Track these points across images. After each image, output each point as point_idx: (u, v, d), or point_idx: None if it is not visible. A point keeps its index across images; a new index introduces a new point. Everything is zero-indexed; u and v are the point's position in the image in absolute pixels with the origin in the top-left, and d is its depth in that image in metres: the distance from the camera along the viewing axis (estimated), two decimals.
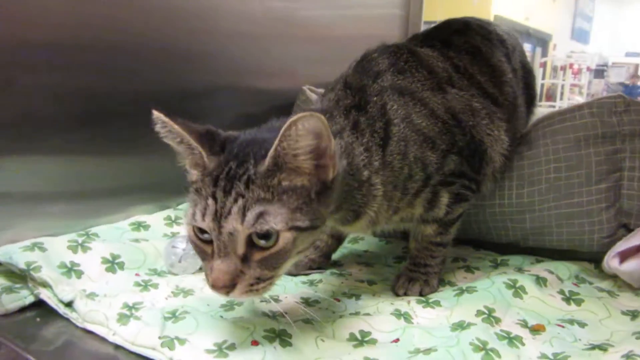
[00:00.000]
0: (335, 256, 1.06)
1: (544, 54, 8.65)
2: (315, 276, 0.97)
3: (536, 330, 0.77)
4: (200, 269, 0.98)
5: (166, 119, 0.67)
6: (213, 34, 1.23)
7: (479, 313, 0.79)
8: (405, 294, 0.89)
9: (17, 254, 0.85)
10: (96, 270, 0.91)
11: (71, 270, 0.88)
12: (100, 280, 0.89)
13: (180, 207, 1.20)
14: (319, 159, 0.65)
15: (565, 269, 0.95)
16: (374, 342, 0.73)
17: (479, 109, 0.88)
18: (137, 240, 1.02)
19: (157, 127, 0.69)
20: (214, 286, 0.64)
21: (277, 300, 0.87)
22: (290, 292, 0.90)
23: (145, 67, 1.11)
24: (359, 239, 1.17)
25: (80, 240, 0.95)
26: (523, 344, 0.73)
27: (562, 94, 7.92)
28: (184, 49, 1.17)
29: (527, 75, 1.08)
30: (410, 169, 0.81)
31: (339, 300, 0.86)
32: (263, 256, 0.64)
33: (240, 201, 0.63)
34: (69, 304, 0.79)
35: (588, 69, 8.39)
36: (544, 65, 8.27)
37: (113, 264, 0.94)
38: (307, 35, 1.37)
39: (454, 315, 0.80)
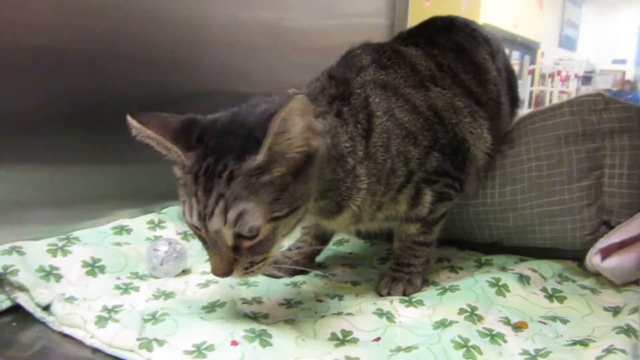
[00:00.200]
0: (319, 258, 1.05)
1: (532, 61, 8.73)
2: (299, 278, 0.96)
3: (519, 327, 0.77)
4: (183, 271, 0.97)
5: (138, 125, 0.68)
6: (198, 43, 1.23)
7: (461, 311, 0.79)
8: (389, 294, 0.88)
9: None
10: (76, 273, 0.90)
11: (50, 274, 0.86)
12: (80, 283, 0.88)
13: (164, 211, 1.19)
14: (307, 140, 0.66)
15: (548, 267, 0.95)
16: (355, 341, 0.73)
17: (461, 107, 0.88)
18: (118, 244, 1.01)
19: (133, 132, 0.69)
20: (214, 273, 0.70)
21: (259, 301, 0.86)
22: (273, 294, 0.89)
23: (130, 74, 1.11)
24: (344, 241, 1.16)
25: (60, 244, 0.94)
26: (505, 341, 0.73)
27: (550, 100, 7.98)
28: (169, 58, 1.17)
29: (509, 77, 1.09)
30: (393, 163, 0.81)
31: (321, 301, 0.86)
32: (251, 245, 0.67)
33: (222, 202, 0.64)
34: (46, 308, 0.78)
35: (576, 76, 8.47)
36: (532, 72, 8.34)
37: (93, 267, 0.92)
38: (293, 44, 1.38)
39: (437, 314, 0.79)
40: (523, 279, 0.89)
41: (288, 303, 0.85)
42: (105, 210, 1.11)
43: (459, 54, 0.95)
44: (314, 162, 0.69)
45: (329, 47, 1.19)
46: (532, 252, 1.01)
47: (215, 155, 0.65)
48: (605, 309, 0.83)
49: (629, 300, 0.83)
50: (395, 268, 0.91)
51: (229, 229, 0.65)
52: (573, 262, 0.99)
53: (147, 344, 0.69)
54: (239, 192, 0.64)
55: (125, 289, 0.88)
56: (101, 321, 0.74)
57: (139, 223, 1.11)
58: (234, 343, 0.69)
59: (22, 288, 0.80)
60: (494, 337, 0.73)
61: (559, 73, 8.10)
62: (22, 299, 0.79)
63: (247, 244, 0.67)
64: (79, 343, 0.72)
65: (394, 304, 0.83)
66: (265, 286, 0.92)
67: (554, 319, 0.79)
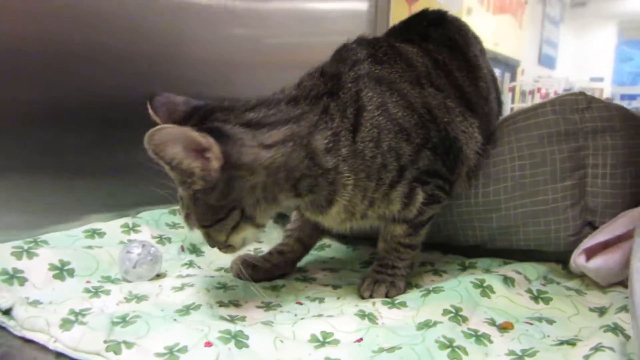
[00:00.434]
0: (299, 263, 1.02)
1: (513, 78, 8.86)
2: (278, 281, 0.93)
3: (504, 328, 0.74)
4: (158, 275, 0.93)
5: (150, 111, 0.81)
6: (176, 60, 1.21)
7: (445, 312, 0.76)
8: (371, 296, 0.85)
9: None
10: (42, 277, 0.85)
11: (13, 277, 0.82)
12: (45, 287, 0.84)
13: (139, 215, 1.15)
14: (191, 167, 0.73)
15: (533, 269, 0.94)
16: (336, 342, 0.69)
17: (452, 107, 0.87)
18: (90, 247, 0.96)
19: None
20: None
21: (236, 304, 0.83)
22: (251, 297, 0.86)
23: (107, 80, 1.09)
24: (326, 246, 1.13)
25: (26, 246, 0.89)
26: (491, 342, 0.70)
27: None
28: (145, 72, 1.15)
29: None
30: (384, 158, 0.80)
31: (301, 304, 0.83)
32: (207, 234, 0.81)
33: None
34: (7, 312, 0.73)
35: (555, 93, 8.61)
36: (512, 89, 8.45)
37: (62, 270, 0.88)
38: (273, 61, 1.38)
39: (420, 315, 0.77)
40: (508, 281, 0.87)
41: (266, 306, 0.82)
42: (77, 215, 1.07)
43: (453, 50, 0.95)
44: (220, 182, 0.74)
45: (309, 63, 1.19)
46: (516, 254, 1.00)
47: None
48: (591, 310, 0.81)
49: (615, 301, 0.81)
50: (378, 270, 0.88)
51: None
52: (557, 265, 0.98)
53: (115, 347, 0.65)
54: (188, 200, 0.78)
55: (95, 292, 0.84)
56: (66, 324, 0.69)
57: (112, 227, 1.07)
58: (208, 344, 0.65)
59: None
60: (479, 337, 0.71)
61: (538, 90, 8.22)
62: None
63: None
64: (42, 348, 0.68)
65: (376, 306, 0.80)
66: (243, 290, 0.88)
67: (539, 319, 0.77)
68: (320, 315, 0.77)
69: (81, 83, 1.05)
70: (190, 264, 1.00)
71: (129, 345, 0.65)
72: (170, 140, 0.70)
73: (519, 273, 0.91)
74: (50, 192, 1.04)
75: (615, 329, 0.69)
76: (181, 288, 0.87)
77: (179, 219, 1.17)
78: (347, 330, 0.72)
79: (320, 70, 0.85)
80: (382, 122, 0.79)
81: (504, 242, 0.99)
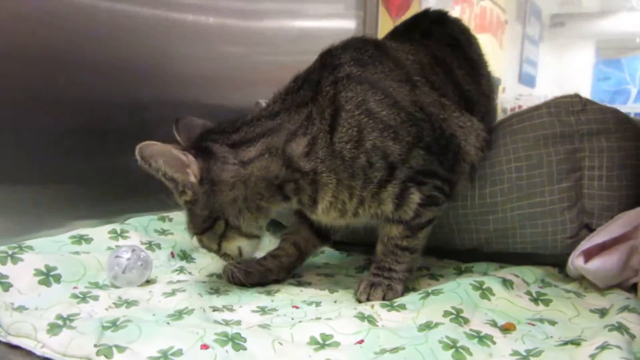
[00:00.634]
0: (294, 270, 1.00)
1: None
2: (273, 286, 0.91)
3: (506, 329, 0.73)
4: (147, 281, 0.90)
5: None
6: (165, 75, 1.21)
7: (446, 314, 0.75)
8: (368, 299, 0.83)
9: None
10: (27, 282, 0.82)
11: None
12: (31, 293, 0.81)
13: (128, 221, 1.12)
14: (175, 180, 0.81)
15: (530, 273, 0.93)
16: (336, 344, 0.67)
17: (448, 104, 0.86)
18: (77, 253, 0.93)
19: None
20: None
21: (230, 309, 0.80)
22: (245, 302, 0.83)
23: (92, 81, 1.07)
24: (319, 252, 1.11)
25: (10, 252, 0.86)
26: (494, 343, 0.69)
27: None
28: (134, 84, 1.15)
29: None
30: (369, 157, 0.80)
31: (297, 308, 0.80)
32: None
33: None
34: None
35: None
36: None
37: (48, 276, 0.85)
38: (263, 78, 1.38)
39: (421, 317, 0.75)
40: (507, 283, 0.86)
41: (262, 310, 0.80)
42: (62, 221, 1.04)
43: (454, 48, 0.95)
44: (201, 195, 0.82)
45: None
46: (512, 258, 0.99)
47: None
48: (592, 311, 0.80)
49: (615, 302, 0.80)
50: (375, 273, 0.87)
51: None
52: (554, 268, 0.97)
53: (106, 350, 0.62)
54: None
55: (83, 297, 0.81)
56: (54, 329, 0.67)
57: (99, 232, 1.04)
58: (205, 347, 0.62)
59: None
60: (482, 338, 0.69)
61: (519, 108, 8.38)
62: None
63: None
64: (28, 354, 0.65)
65: (375, 309, 0.78)
66: (236, 295, 0.86)
67: (541, 320, 0.76)
68: (318, 319, 0.75)
69: (69, 91, 1.03)
70: (181, 270, 0.97)
71: (120, 349, 0.62)
72: (155, 154, 0.79)
73: (517, 276, 0.89)
74: (35, 198, 1.01)
75: (620, 328, 0.68)
76: (172, 293, 0.84)
77: (168, 225, 1.14)
78: (347, 332, 0.70)
79: (302, 77, 0.87)
80: (363, 120, 0.80)
81: (501, 245, 0.98)
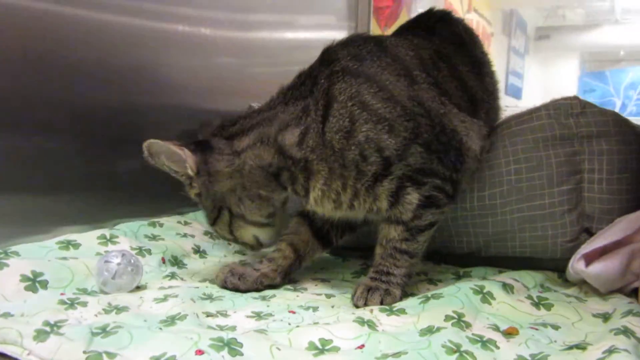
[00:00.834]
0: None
1: None
2: (268, 291, 0.88)
3: (509, 333, 0.71)
4: (138, 287, 0.87)
5: None
6: (157, 86, 1.20)
7: (447, 318, 0.73)
8: (366, 304, 0.81)
9: None
10: (12, 288, 0.79)
11: None
12: (16, 299, 0.78)
13: (117, 227, 1.09)
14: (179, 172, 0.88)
15: (530, 277, 0.91)
16: (336, 349, 0.65)
17: (446, 102, 0.86)
18: (64, 259, 0.90)
19: None
20: None
21: (225, 314, 0.77)
22: (239, 307, 0.80)
23: (85, 83, 1.05)
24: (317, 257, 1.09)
25: None
26: (497, 347, 0.67)
27: None
28: (125, 93, 1.14)
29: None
30: (362, 149, 0.80)
31: (294, 312, 0.78)
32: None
33: None
34: None
35: None
36: None
37: (34, 282, 0.82)
38: (255, 89, 1.37)
39: (422, 321, 0.73)
40: (507, 287, 0.84)
41: (257, 315, 0.77)
42: (49, 226, 1.01)
43: (458, 45, 0.95)
44: (202, 186, 0.88)
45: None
46: (511, 262, 0.97)
47: None
48: (595, 316, 0.79)
49: (618, 306, 0.79)
50: (373, 276, 0.85)
51: None
52: (553, 273, 0.96)
53: (96, 357, 0.59)
54: None
55: (71, 304, 0.77)
56: (41, 335, 0.63)
57: (88, 238, 1.00)
58: (199, 352, 0.60)
59: None
60: (485, 343, 0.67)
61: None
62: None
63: None
64: None
65: (374, 313, 0.76)
66: (230, 300, 0.83)
67: (544, 325, 0.75)
68: (316, 323, 0.73)
69: (57, 95, 1.01)
70: (173, 276, 0.94)
71: (111, 355, 0.60)
72: (157, 151, 0.86)
73: (517, 280, 0.88)
74: (21, 203, 0.98)
75: (626, 331, 0.67)
76: (164, 299, 0.81)
77: (159, 230, 1.12)
78: (347, 337, 0.67)
79: (305, 73, 0.90)
80: (356, 112, 0.80)
81: (499, 249, 0.96)
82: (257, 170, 0.85)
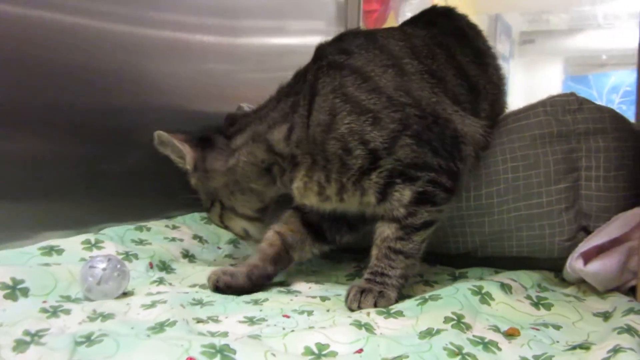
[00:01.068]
0: (281, 276, 0.95)
1: None
2: (260, 295, 0.85)
3: (510, 334, 0.69)
4: (125, 293, 0.84)
5: None
6: (144, 91, 1.19)
7: (447, 319, 0.71)
8: (359, 307, 0.78)
9: None
10: None
11: None
12: None
13: (103, 231, 1.05)
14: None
15: (527, 277, 0.90)
16: (333, 354, 0.62)
17: (439, 92, 0.84)
18: (47, 265, 0.87)
19: None
20: None
21: (216, 320, 0.74)
22: (231, 312, 0.77)
23: (69, 84, 1.03)
24: (313, 252, 1.06)
25: None
26: (499, 349, 0.65)
27: None
28: (111, 98, 1.12)
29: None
30: (345, 142, 0.79)
31: (288, 317, 0.75)
32: None
33: None
34: None
35: None
36: None
37: (14, 290, 0.78)
38: (241, 95, 1.38)
39: (421, 324, 0.71)
40: (505, 287, 0.82)
41: (250, 320, 0.74)
42: (31, 232, 0.97)
43: (460, 38, 0.95)
44: (198, 180, 0.95)
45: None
46: (507, 263, 0.96)
47: None
48: (595, 315, 0.77)
49: (618, 305, 0.78)
50: (368, 278, 0.82)
51: None
52: (550, 273, 0.94)
53: None
54: None
55: (54, 312, 0.74)
56: (21, 346, 0.60)
57: (72, 243, 0.97)
58: (191, 359, 0.57)
59: None
60: (486, 345, 0.65)
61: None
62: None
63: None
64: None
65: (371, 316, 0.73)
66: (222, 305, 0.80)
67: (545, 325, 0.73)
68: (311, 327, 0.70)
69: (40, 99, 0.98)
70: (161, 281, 0.91)
71: None
72: (163, 142, 0.93)
73: (515, 280, 0.86)
74: (0, 207, 0.94)
75: (630, 330, 0.65)
76: (152, 305, 0.78)
77: (146, 235, 1.08)
78: (345, 341, 0.65)
79: (300, 72, 0.91)
80: (338, 104, 0.80)
81: (496, 249, 0.95)
82: (249, 166, 0.90)
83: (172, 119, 1.28)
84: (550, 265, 0.94)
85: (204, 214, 1.21)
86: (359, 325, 0.69)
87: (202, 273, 0.97)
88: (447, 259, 1.01)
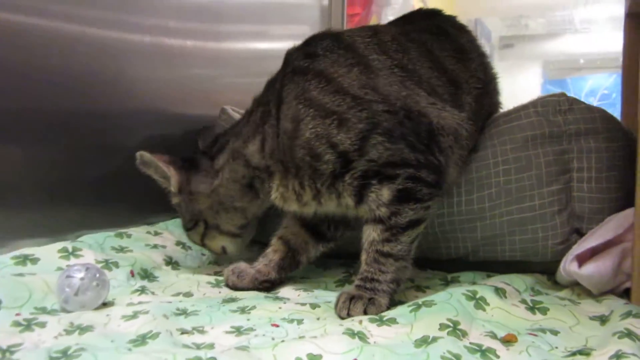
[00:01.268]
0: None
1: None
2: (247, 302, 0.82)
3: (508, 341, 0.67)
4: (104, 304, 0.80)
5: None
6: (126, 98, 1.17)
7: (442, 326, 0.68)
8: (349, 315, 0.76)
9: None
10: None
11: None
12: None
13: (81, 239, 1.01)
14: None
15: (520, 281, 0.88)
16: None
17: (411, 84, 0.82)
18: (20, 275, 0.82)
19: None
20: None
21: (201, 331, 0.71)
22: (217, 322, 0.74)
23: (52, 87, 1.00)
24: (317, 251, 1.02)
25: None
26: (497, 356, 0.63)
27: None
28: (95, 74, 1.09)
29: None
30: (312, 148, 0.78)
31: (277, 326, 0.72)
32: None
33: None
34: None
35: None
36: None
37: None
38: (226, 100, 1.35)
39: (415, 331, 0.68)
40: (499, 292, 0.80)
41: (237, 330, 0.71)
42: (3, 241, 0.93)
43: (439, 35, 0.93)
44: (182, 201, 0.95)
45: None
46: (499, 267, 0.94)
47: None
48: (591, 319, 0.76)
49: (615, 308, 0.76)
50: (357, 284, 0.79)
51: None
52: (542, 276, 0.92)
53: None
54: None
55: (28, 325, 0.70)
56: None
57: (48, 252, 0.93)
58: None
59: None
60: (484, 352, 0.63)
61: None
62: None
63: None
64: None
65: (363, 324, 0.71)
66: (207, 314, 0.77)
67: (542, 330, 0.71)
68: (302, 337, 0.67)
69: (14, 102, 0.95)
70: (143, 290, 0.87)
71: None
72: (146, 163, 0.92)
73: (508, 284, 0.85)
74: None
75: (630, 334, 0.63)
76: (134, 316, 0.74)
77: (126, 242, 1.04)
78: (338, 351, 0.62)
79: (270, 80, 0.91)
80: (301, 109, 0.79)
81: (488, 254, 0.93)
82: (232, 184, 0.90)
83: (154, 123, 1.25)
84: (542, 268, 0.92)
85: None
86: (352, 334, 0.66)
87: (186, 281, 0.94)
88: (437, 263, 0.98)
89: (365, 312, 0.76)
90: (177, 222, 1.20)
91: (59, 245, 0.95)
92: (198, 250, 1.13)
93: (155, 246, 1.06)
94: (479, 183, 0.89)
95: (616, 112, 1.08)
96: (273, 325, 0.72)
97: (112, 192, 1.12)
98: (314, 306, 0.81)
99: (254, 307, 0.79)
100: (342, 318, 0.76)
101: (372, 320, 0.72)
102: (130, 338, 0.67)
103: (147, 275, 0.95)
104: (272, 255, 0.92)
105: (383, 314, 0.75)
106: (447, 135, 0.82)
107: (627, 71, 1.27)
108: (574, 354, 0.64)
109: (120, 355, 0.59)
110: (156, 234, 1.12)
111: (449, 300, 0.75)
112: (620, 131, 0.90)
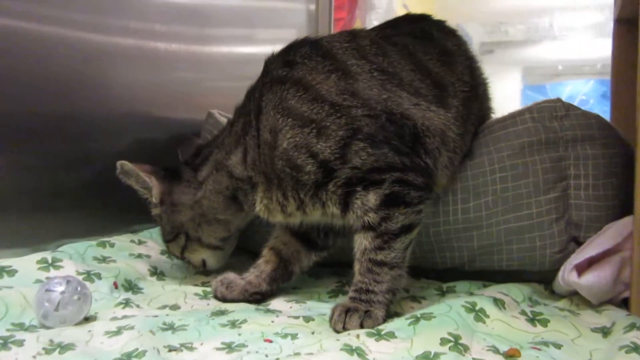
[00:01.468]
0: None
1: None
2: (238, 315, 0.78)
3: (511, 355, 0.65)
4: (86, 318, 0.76)
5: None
6: (111, 102, 1.14)
7: (443, 341, 0.66)
8: (345, 328, 0.73)
9: None
10: None
11: None
12: None
13: (61, 249, 0.97)
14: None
15: (517, 290, 0.86)
16: None
17: (392, 87, 0.80)
18: None
19: None
20: None
21: (190, 348, 0.67)
22: (207, 338, 0.70)
23: (35, 91, 0.98)
24: (310, 261, 0.99)
25: None
26: None
27: None
28: (78, 78, 1.06)
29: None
30: (291, 157, 0.77)
31: (270, 341, 0.69)
32: None
33: None
34: None
35: None
36: None
37: None
38: (211, 104, 1.32)
39: (416, 346, 0.65)
40: (498, 303, 0.78)
41: (228, 347, 0.67)
42: None
43: (423, 39, 0.91)
44: (163, 213, 0.93)
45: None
46: (495, 276, 0.92)
47: None
48: (593, 330, 0.74)
49: (617, 319, 0.74)
50: (352, 296, 0.77)
51: None
52: (540, 285, 0.91)
53: None
54: None
55: (4, 343, 0.66)
56: None
57: (26, 263, 0.89)
58: None
59: None
60: None
61: None
62: None
63: None
64: None
65: (361, 339, 0.68)
66: (195, 329, 0.73)
67: (545, 344, 0.69)
68: (297, 354, 0.64)
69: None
70: (127, 303, 0.83)
71: None
72: (127, 173, 0.90)
73: (506, 295, 0.83)
74: None
75: (637, 349, 0.62)
76: (118, 332, 0.70)
77: (109, 251, 1.00)
78: None
79: (250, 88, 0.89)
80: (280, 120, 0.78)
81: (485, 263, 0.91)
82: (216, 195, 0.89)
83: (137, 127, 1.21)
84: (540, 277, 0.90)
85: None
86: (349, 350, 0.63)
87: (172, 293, 0.90)
88: (432, 272, 0.96)
89: (361, 326, 0.73)
90: None
91: (38, 255, 0.91)
92: None
93: (139, 255, 1.02)
94: (475, 191, 0.87)
95: None
96: (266, 340, 0.69)
97: (94, 199, 1.08)
98: (307, 319, 0.78)
99: (244, 321, 0.76)
100: (338, 332, 0.73)
101: (369, 335, 0.69)
102: (114, 357, 0.63)
103: (131, 286, 0.91)
104: (263, 266, 0.90)
105: (380, 327, 0.72)
106: (433, 136, 0.80)
107: (616, 77, 1.27)
108: None
109: None
110: (140, 242, 1.08)
111: (448, 313, 0.73)
112: (617, 137, 0.89)
